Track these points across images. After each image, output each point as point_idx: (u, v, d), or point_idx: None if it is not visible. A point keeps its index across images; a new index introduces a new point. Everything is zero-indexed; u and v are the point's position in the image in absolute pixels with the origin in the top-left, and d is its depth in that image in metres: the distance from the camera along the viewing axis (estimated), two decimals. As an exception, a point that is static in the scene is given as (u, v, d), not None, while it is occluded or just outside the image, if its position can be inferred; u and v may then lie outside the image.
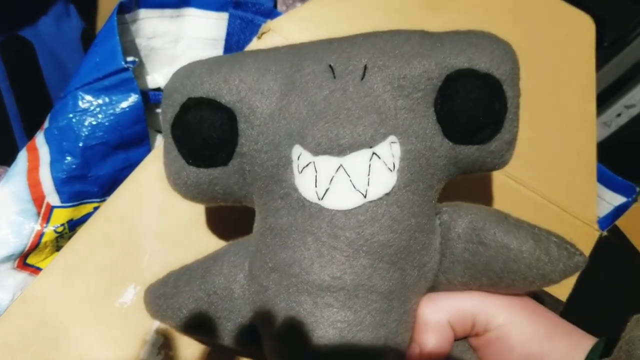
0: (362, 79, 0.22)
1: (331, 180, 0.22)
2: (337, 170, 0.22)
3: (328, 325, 0.22)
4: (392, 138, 0.22)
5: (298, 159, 0.22)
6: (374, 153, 0.22)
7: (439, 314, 0.23)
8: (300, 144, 0.22)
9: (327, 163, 0.22)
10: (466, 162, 0.23)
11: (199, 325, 0.25)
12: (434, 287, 0.24)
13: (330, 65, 0.23)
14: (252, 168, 0.24)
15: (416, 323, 0.24)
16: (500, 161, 0.24)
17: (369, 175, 0.22)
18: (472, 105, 0.22)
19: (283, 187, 0.23)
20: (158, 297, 0.26)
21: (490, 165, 0.24)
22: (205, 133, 0.23)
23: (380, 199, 0.22)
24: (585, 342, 0.23)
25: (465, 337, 0.25)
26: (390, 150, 0.22)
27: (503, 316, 0.23)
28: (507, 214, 0.24)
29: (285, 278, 0.22)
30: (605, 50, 0.57)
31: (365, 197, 0.21)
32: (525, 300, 0.24)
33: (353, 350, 0.21)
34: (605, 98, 0.60)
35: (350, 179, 0.22)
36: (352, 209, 0.22)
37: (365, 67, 0.22)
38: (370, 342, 0.22)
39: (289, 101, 0.23)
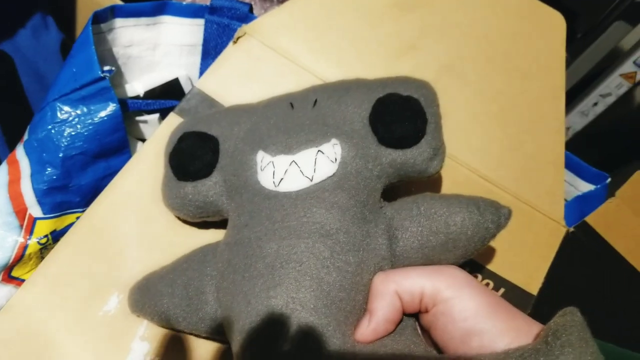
0: (314, 106, 0.29)
1: (285, 172, 0.27)
2: (290, 164, 0.27)
3: (281, 295, 0.24)
4: (334, 140, 0.27)
5: (261, 161, 0.28)
6: (319, 150, 0.27)
7: (388, 285, 0.25)
8: (262, 150, 0.28)
9: (282, 160, 0.27)
10: (399, 165, 0.28)
11: (176, 319, 0.28)
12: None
13: (290, 103, 0.29)
14: (229, 177, 0.28)
15: (369, 295, 0.26)
16: (429, 165, 0.28)
17: (315, 165, 0.27)
18: (396, 114, 0.27)
19: (249, 183, 0.28)
20: (137, 293, 0.29)
21: (420, 167, 0.28)
22: (192, 152, 0.29)
23: (323, 180, 0.26)
24: (531, 328, 0.23)
25: (415, 315, 0.27)
26: (332, 148, 0.27)
27: (449, 291, 0.24)
28: (438, 193, 0.29)
29: (245, 258, 0.26)
30: (578, 42, 0.58)
31: (311, 180, 0.26)
32: (470, 279, 0.25)
33: (300, 327, 0.23)
34: (581, 88, 0.61)
35: (300, 169, 0.27)
36: (300, 190, 0.26)
37: (316, 100, 0.29)
38: (321, 321, 0.24)
39: (257, 126, 0.29)
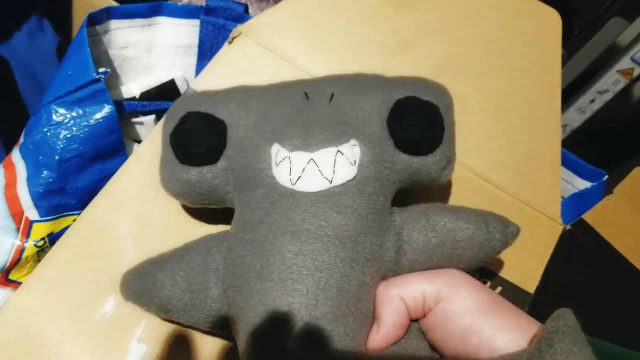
0: (330, 101, 0.28)
1: (303, 170, 0.26)
2: (308, 162, 0.26)
3: (302, 311, 0.24)
4: (353, 141, 0.26)
5: (276, 155, 0.26)
6: (338, 150, 0.26)
7: (392, 291, 0.26)
8: (278, 143, 0.26)
9: (300, 157, 0.26)
10: (413, 171, 0.27)
11: (174, 308, 0.27)
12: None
13: (305, 92, 0.28)
14: (238, 167, 0.27)
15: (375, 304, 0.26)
16: (441, 173, 0.28)
17: (334, 166, 0.26)
18: (416, 121, 0.27)
19: (262, 177, 0.26)
20: (134, 281, 0.28)
21: (433, 175, 0.28)
22: (198, 136, 0.27)
23: (343, 184, 0.26)
24: (531, 325, 0.23)
25: (418, 319, 0.27)
26: (352, 150, 0.26)
27: (448, 290, 0.25)
28: (448, 205, 0.29)
29: (260, 257, 0.25)
30: (576, 38, 0.58)
31: (330, 182, 0.25)
32: (469, 278, 0.26)
33: (317, 333, 0.23)
34: (578, 85, 0.61)
35: (319, 168, 0.26)
36: (319, 191, 0.25)
37: (333, 94, 0.28)
38: (339, 330, 0.24)
39: (270, 114, 0.27)
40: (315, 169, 0.26)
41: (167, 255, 0.29)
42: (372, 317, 0.26)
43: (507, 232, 0.27)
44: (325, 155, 0.26)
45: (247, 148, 0.27)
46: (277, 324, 0.24)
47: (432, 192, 0.33)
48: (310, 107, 0.27)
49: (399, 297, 0.25)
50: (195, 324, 0.28)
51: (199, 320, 0.27)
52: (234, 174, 0.27)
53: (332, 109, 0.27)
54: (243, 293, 0.25)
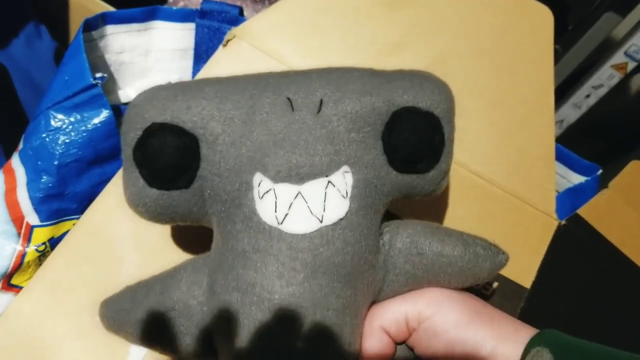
0: (319, 112, 0.24)
1: (290, 206, 0.23)
2: (295, 197, 0.23)
3: (288, 341, 0.23)
4: (345, 168, 0.24)
5: (259, 185, 0.24)
6: (329, 182, 0.24)
7: (373, 322, 0.26)
8: (261, 172, 0.24)
9: (286, 190, 0.23)
10: (407, 189, 0.26)
11: (156, 339, 0.26)
12: (378, 299, 0.27)
13: (288, 98, 0.24)
14: (213, 191, 0.25)
15: None
16: (437, 187, 0.26)
17: (324, 202, 0.23)
18: (414, 139, 0.25)
19: (244, 211, 0.24)
20: (115, 312, 0.27)
21: (427, 190, 0.26)
22: (168, 157, 0.24)
23: (335, 223, 0.23)
24: (518, 331, 0.24)
25: (405, 341, 0.26)
26: (343, 179, 0.24)
27: (430, 309, 0.25)
28: (439, 225, 0.27)
29: (248, 296, 0.23)
30: (570, 34, 0.58)
31: (321, 222, 0.23)
32: (450, 294, 0.26)
33: None
34: (573, 80, 0.61)
35: (307, 205, 0.23)
36: (309, 233, 0.23)
37: (321, 101, 0.24)
38: (327, 356, 0.23)
39: (250, 130, 0.24)
40: (304, 205, 0.23)
41: (148, 288, 0.27)
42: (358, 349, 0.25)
43: (497, 261, 0.26)
44: (314, 188, 0.23)
45: (224, 173, 0.24)
46: (267, 353, 0.23)
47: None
48: (295, 121, 0.24)
49: (380, 327, 0.25)
50: (178, 353, 0.26)
51: (181, 350, 0.26)
52: (210, 199, 0.25)
53: (320, 124, 0.24)
54: (232, 324, 0.24)
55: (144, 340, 0.26)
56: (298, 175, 0.23)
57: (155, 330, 0.26)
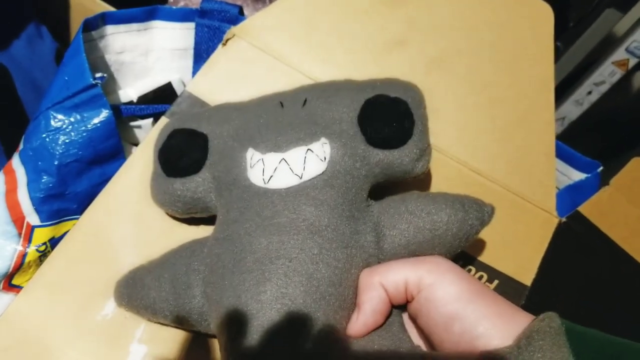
0: (303, 106, 0.29)
1: (275, 170, 0.27)
2: (280, 162, 0.27)
3: (273, 299, 0.24)
4: (324, 140, 0.28)
5: (251, 158, 0.28)
6: (309, 149, 0.27)
7: (373, 278, 0.26)
8: (252, 147, 0.28)
9: (272, 157, 0.27)
10: (384, 164, 0.28)
11: (160, 311, 0.28)
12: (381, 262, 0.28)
13: (280, 102, 0.30)
14: (218, 174, 0.29)
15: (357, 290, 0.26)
16: (415, 166, 0.28)
17: (304, 163, 0.27)
18: (385, 117, 0.28)
19: (238, 180, 0.28)
20: (125, 285, 0.30)
21: (406, 167, 0.28)
22: (182, 150, 0.29)
23: (313, 178, 0.27)
24: (516, 315, 0.24)
25: (402, 307, 0.27)
26: (322, 148, 0.28)
27: (431, 277, 0.25)
28: (424, 192, 0.30)
29: (237, 252, 0.26)
30: (571, 30, 0.58)
31: (301, 178, 0.27)
32: (453, 266, 0.26)
33: (288, 320, 0.24)
34: (575, 77, 0.61)
35: (289, 166, 0.27)
36: (290, 187, 0.27)
37: (306, 100, 0.29)
38: (311, 316, 0.24)
39: (247, 124, 0.29)
40: (287, 167, 0.27)
41: (155, 260, 0.30)
42: (351, 303, 0.26)
43: (483, 210, 0.28)
44: (295, 154, 0.27)
45: (226, 155, 0.29)
46: (248, 315, 0.24)
47: (425, 187, 0.34)
48: (284, 113, 0.29)
49: (379, 284, 0.26)
50: (182, 324, 0.28)
51: (184, 320, 0.28)
52: (215, 181, 0.29)
53: (304, 112, 0.29)
54: (218, 288, 0.26)
55: (149, 311, 0.29)
56: (282, 146, 0.28)
57: (159, 301, 0.28)
